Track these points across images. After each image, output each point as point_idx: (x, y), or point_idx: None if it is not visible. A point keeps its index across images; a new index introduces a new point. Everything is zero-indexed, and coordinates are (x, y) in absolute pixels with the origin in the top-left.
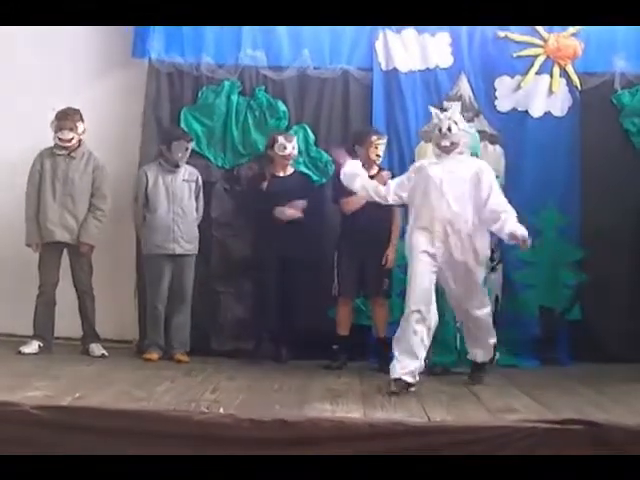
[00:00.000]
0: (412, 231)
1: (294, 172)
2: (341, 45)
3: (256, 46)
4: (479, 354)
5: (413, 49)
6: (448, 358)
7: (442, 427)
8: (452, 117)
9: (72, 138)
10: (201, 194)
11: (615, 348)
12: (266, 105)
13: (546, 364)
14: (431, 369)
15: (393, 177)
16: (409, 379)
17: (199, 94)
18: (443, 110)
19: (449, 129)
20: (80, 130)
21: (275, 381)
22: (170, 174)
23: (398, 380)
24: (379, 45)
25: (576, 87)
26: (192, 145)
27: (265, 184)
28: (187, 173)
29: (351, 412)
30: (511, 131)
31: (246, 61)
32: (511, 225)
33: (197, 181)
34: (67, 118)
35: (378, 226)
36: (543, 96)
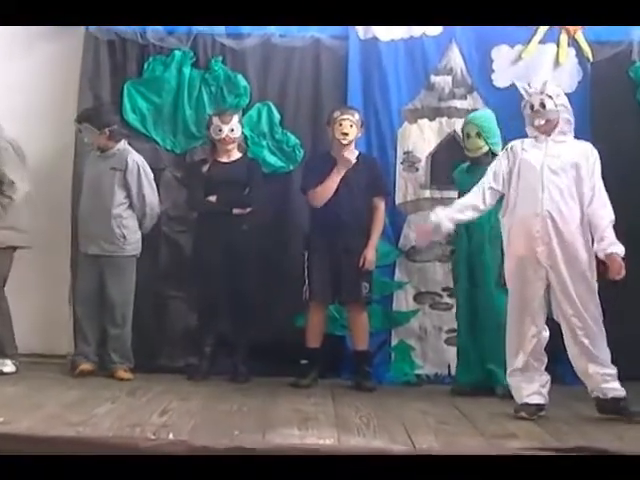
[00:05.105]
0: (508, 229)
1: (241, 158)
2: None
3: None
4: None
5: None
6: (474, 377)
7: (429, 456)
8: (545, 91)
9: None
10: (139, 182)
11: (628, 364)
12: (224, 79)
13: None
14: (458, 389)
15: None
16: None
17: (145, 66)
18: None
19: (542, 105)
20: None
21: (233, 402)
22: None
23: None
24: None
25: (587, 58)
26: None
27: (205, 169)
28: (115, 160)
29: (323, 438)
30: (510, 109)
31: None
32: (614, 245)
33: (126, 168)
34: None
35: (355, 221)
36: (548, 69)
